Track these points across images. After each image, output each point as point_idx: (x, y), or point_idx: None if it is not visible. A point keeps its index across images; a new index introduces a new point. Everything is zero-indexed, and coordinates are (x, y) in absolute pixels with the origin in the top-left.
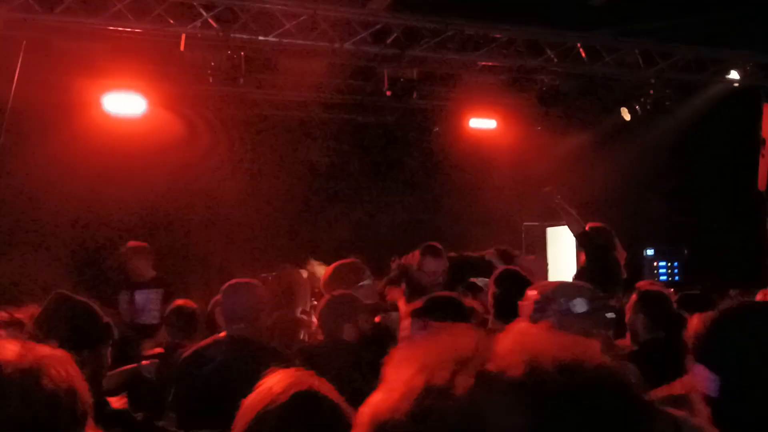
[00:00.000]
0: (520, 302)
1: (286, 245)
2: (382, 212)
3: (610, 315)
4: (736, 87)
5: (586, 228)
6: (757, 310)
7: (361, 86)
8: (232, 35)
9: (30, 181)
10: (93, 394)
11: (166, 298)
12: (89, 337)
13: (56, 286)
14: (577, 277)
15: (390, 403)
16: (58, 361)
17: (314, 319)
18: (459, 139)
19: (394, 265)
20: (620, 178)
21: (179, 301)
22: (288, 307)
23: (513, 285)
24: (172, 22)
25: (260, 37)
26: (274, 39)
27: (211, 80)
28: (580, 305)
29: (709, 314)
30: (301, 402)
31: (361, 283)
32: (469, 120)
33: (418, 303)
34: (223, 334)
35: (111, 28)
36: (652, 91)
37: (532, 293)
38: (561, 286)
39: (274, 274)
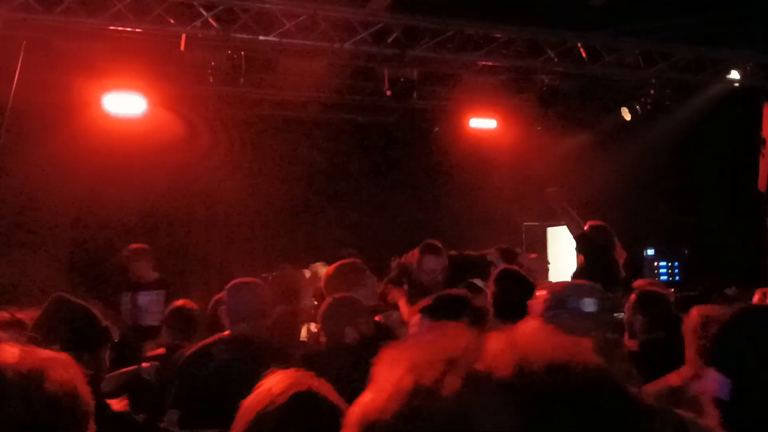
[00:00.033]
0: (529, 301)
1: (286, 245)
2: (382, 212)
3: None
4: (736, 87)
5: (585, 227)
6: None
7: (361, 86)
8: (232, 35)
9: (30, 181)
10: (93, 397)
11: (168, 300)
12: (89, 340)
13: (56, 286)
14: (575, 276)
15: (379, 403)
16: (60, 364)
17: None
18: (459, 139)
19: (394, 265)
20: (620, 178)
21: (179, 302)
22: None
23: (512, 285)
24: (172, 22)
25: (260, 37)
26: (274, 39)
27: (211, 80)
28: (589, 305)
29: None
30: (300, 403)
31: (362, 284)
32: (469, 120)
33: (427, 300)
34: (226, 333)
35: (111, 28)
36: (652, 91)
37: (541, 292)
38: (571, 285)
39: (274, 274)
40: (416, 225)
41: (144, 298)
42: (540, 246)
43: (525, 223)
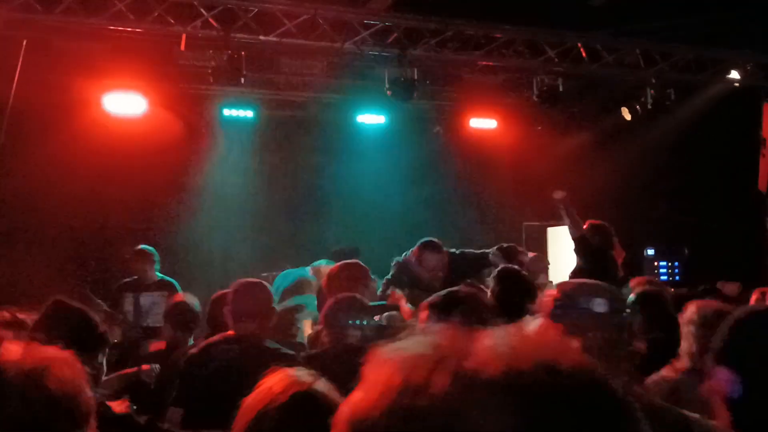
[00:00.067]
0: (542, 300)
1: (286, 245)
2: (382, 212)
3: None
4: (736, 87)
5: (585, 226)
6: None
7: (361, 86)
8: (232, 35)
9: (30, 181)
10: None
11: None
12: (87, 344)
13: (55, 286)
14: (573, 276)
15: (368, 402)
16: (63, 362)
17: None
18: (459, 139)
19: (394, 265)
20: (620, 178)
21: (179, 296)
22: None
23: (513, 284)
24: (172, 22)
25: (260, 37)
26: (274, 39)
27: (211, 80)
28: (600, 305)
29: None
30: (301, 402)
31: (365, 284)
32: (469, 120)
33: (436, 297)
34: (231, 332)
35: (111, 28)
36: (652, 91)
37: (552, 291)
38: (582, 285)
39: (274, 274)
40: (416, 225)
41: (146, 299)
42: (540, 246)
43: (525, 223)
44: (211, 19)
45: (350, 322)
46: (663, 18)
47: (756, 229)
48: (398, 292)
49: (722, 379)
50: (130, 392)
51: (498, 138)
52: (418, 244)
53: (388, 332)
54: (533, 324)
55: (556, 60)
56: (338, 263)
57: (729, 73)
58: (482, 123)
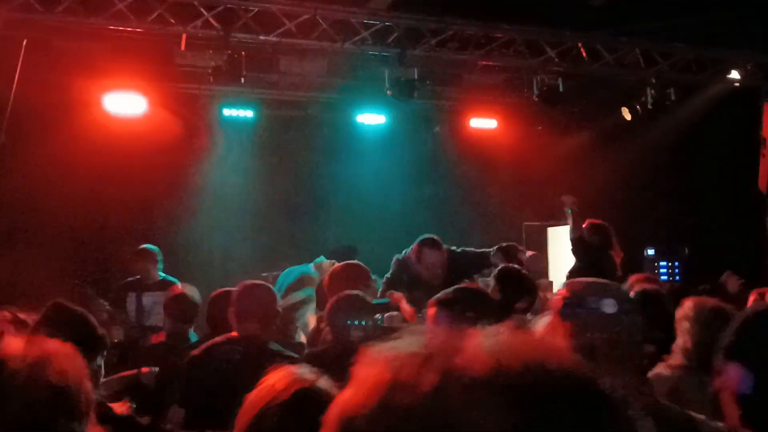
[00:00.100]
0: (552, 299)
1: (286, 245)
2: (382, 212)
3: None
4: (736, 87)
5: (584, 225)
6: None
7: (361, 86)
8: (232, 35)
9: (30, 181)
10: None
11: None
12: (86, 347)
13: (55, 286)
14: (570, 275)
15: (357, 399)
16: (64, 356)
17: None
18: (459, 139)
19: (394, 263)
20: (620, 178)
21: (178, 288)
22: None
23: (513, 284)
24: (172, 22)
25: (261, 37)
26: (274, 39)
27: (211, 80)
28: (609, 306)
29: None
30: (303, 399)
31: (366, 284)
32: (469, 120)
33: (445, 294)
34: (234, 333)
35: (111, 28)
36: (652, 91)
37: (562, 290)
38: (592, 284)
39: (274, 273)
40: (416, 225)
41: (148, 299)
42: (540, 246)
43: (525, 223)
44: (211, 19)
45: (349, 322)
46: (663, 18)
47: (756, 229)
48: (397, 294)
49: (732, 375)
50: (129, 393)
51: (498, 138)
52: (417, 241)
53: (389, 331)
54: (541, 323)
55: (556, 60)
56: (340, 263)
57: (729, 73)
58: (482, 123)
